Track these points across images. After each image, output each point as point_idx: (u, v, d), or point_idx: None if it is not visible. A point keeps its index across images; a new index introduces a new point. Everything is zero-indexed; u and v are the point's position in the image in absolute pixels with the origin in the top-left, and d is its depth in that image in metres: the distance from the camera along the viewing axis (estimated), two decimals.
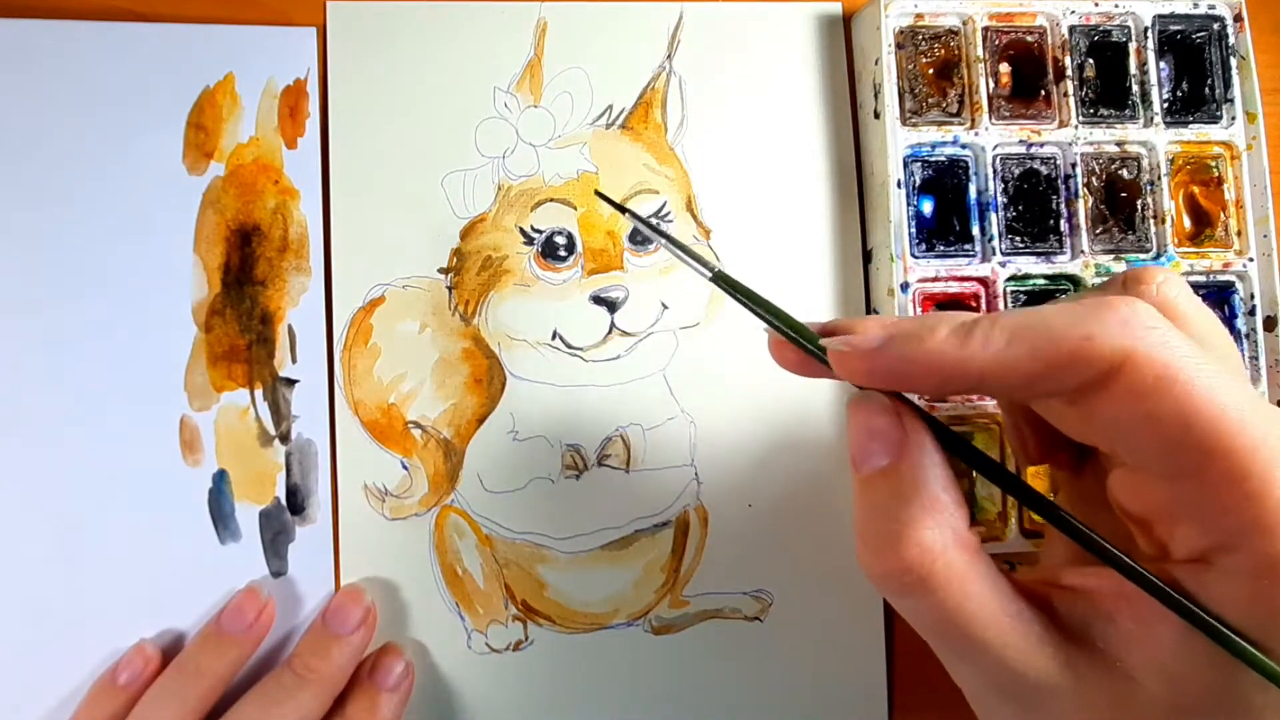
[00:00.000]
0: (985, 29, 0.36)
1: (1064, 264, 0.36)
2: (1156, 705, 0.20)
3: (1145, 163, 0.37)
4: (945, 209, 0.36)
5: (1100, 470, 0.24)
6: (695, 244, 0.37)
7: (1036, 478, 0.35)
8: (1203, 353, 0.20)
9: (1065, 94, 0.36)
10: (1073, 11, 0.37)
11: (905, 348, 0.22)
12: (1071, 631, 0.22)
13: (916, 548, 0.21)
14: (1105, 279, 0.35)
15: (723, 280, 0.25)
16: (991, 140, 0.36)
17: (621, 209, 0.29)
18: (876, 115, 0.36)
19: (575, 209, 0.36)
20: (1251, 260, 0.36)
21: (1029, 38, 0.37)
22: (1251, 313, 0.36)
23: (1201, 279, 0.36)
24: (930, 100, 0.36)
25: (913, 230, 0.36)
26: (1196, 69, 0.37)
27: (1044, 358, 0.20)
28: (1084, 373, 0.20)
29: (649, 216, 0.36)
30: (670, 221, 0.37)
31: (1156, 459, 0.20)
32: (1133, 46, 0.37)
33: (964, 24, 0.36)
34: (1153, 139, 0.36)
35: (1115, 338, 0.19)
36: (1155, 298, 0.23)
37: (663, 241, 0.27)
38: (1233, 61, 0.37)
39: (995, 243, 0.36)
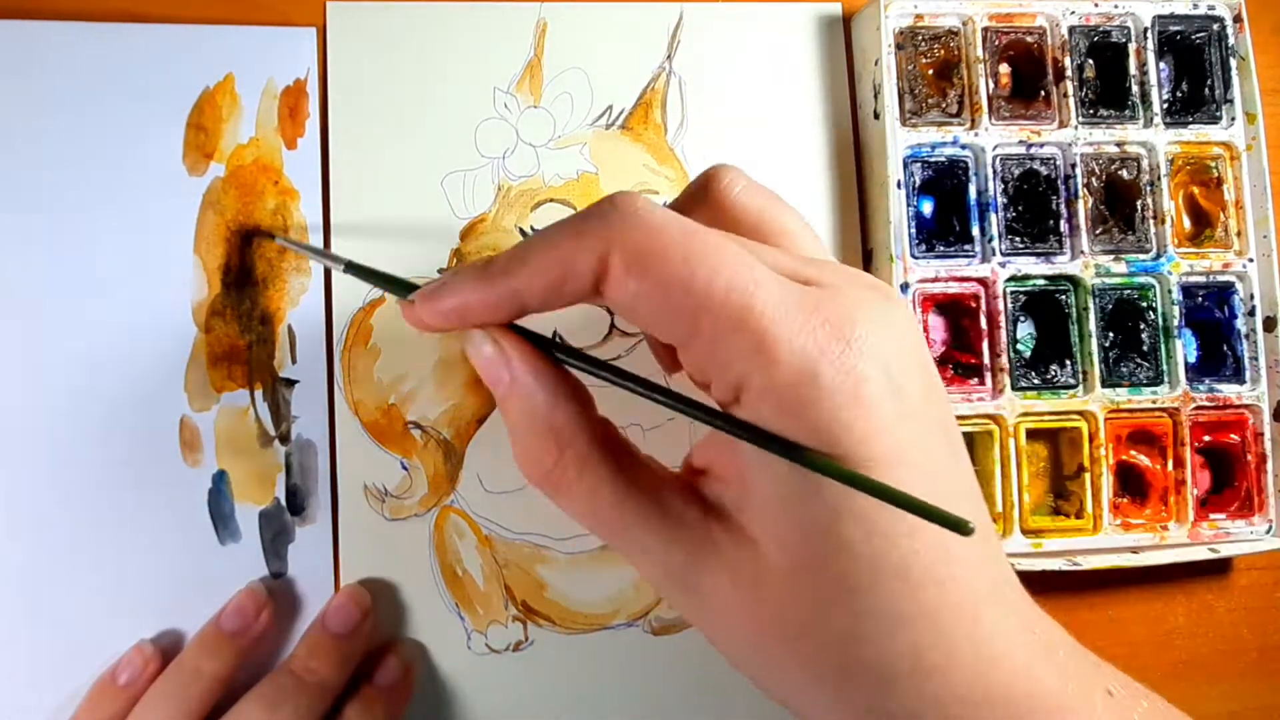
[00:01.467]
0: (985, 29, 0.36)
1: (1064, 264, 0.36)
2: (780, 567, 0.22)
3: (1145, 163, 0.37)
4: (945, 209, 0.36)
5: None
6: None
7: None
8: (686, 223, 0.22)
9: (1065, 94, 0.36)
10: (1072, 12, 0.37)
11: (436, 295, 0.24)
12: (714, 512, 0.23)
13: (539, 466, 0.24)
14: None
15: (354, 269, 0.29)
16: (991, 141, 0.36)
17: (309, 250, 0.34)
18: (876, 116, 0.36)
19: (575, 209, 0.36)
20: (1251, 260, 0.36)
21: (1029, 38, 0.37)
22: (1251, 313, 0.36)
23: (1201, 279, 0.36)
24: (930, 101, 0.36)
25: (912, 231, 0.36)
26: (1196, 69, 0.37)
27: (553, 264, 0.22)
28: (585, 270, 0.22)
29: None
30: None
31: (663, 331, 0.22)
32: (1132, 47, 0.37)
33: (964, 24, 0.36)
34: (1152, 139, 0.36)
35: (598, 232, 0.22)
36: (719, 192, 0.26)
37: (292, 245, 0.33)
38: (1232, 62, 0.37)
39: (995, 243, 0.36)
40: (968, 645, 0.21)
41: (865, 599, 0.21)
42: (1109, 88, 0.37)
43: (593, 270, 0.22)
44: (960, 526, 0.19)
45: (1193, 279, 0.36)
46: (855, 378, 0.20)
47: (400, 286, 0.26)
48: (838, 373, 0.20)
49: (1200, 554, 0.35)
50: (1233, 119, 0.37)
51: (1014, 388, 0.35)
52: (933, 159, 0.36)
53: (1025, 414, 0.35)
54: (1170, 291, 0.36)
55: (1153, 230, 0.36)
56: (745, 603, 0.22)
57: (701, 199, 0.26)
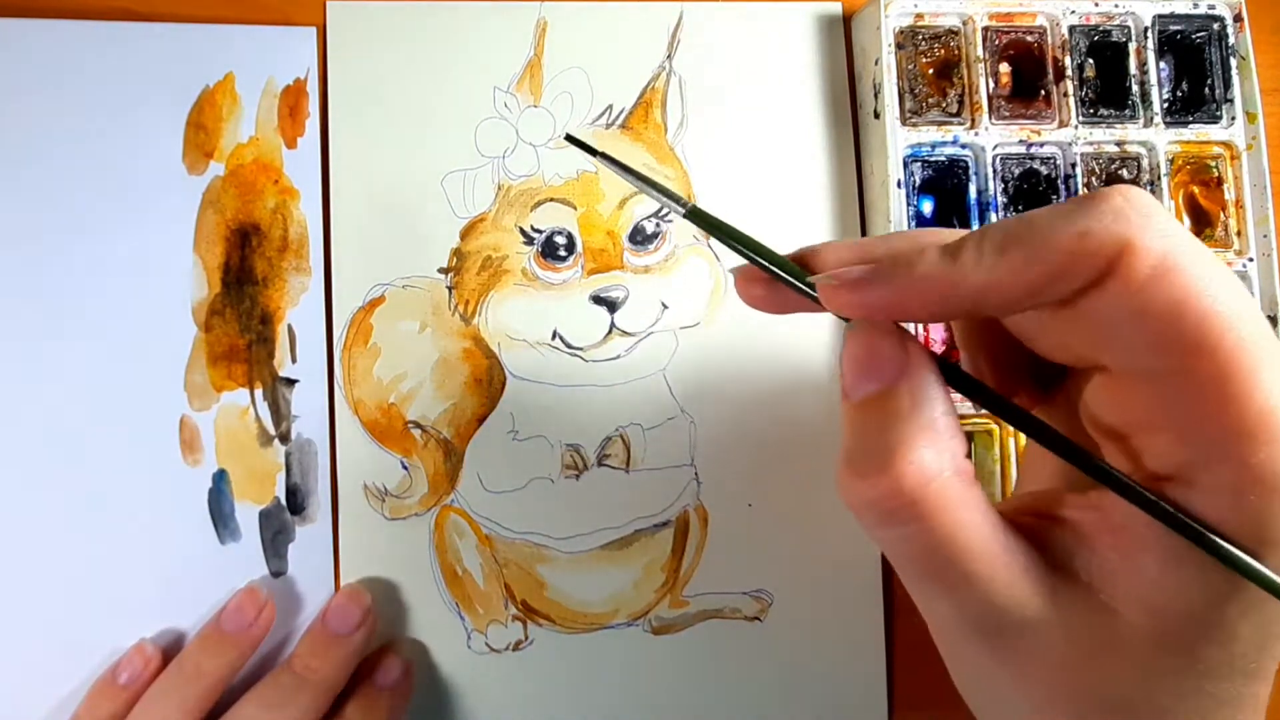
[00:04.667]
0: (985, 29, 0.36)
1: None
2: (1139, 636, 0.20)
3: (1145, 163, 0.37)
4: (945, 209, 0.36)
5: (1069, 396, 0.23)
6: (695, 244, 0.37)
7: None
8: (1200, 244, 0.19)
9: (1065, 94, 0.36)
10: (1073, 11, 0.37)
11: (895, 275, 0.20)
12: (1055, 564, 0.21)
13: (913, 467, 0.19)
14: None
15: (697, 216, 0.24)
16: (991, 140, 0.36)
17: (591, 150, 0.26)
18: (876, 115, 0.36)
19: (575, 209, 0.36)
20: (1251, 260, 0.36)
21: (1029, 38, 0.37)
22: None
23: None
24: (930, 100, 0.36)
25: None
26: (1196, 69, 0.37)
27: (1040, 262, 0.19)
28: (1082, 271, 0.18)
29: (649, 218, 0.36)
30: (670, 221, 0.37)
31: (1144, 356, 0.19)
32: (1132, 46, 0.37)
33: (964, 24, 0.36)
34: (1153, 139, 0.36)
35: (1111, 229, 0.18)
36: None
37: (631, 179, 0.25)
38: (1233, 61, 0.37)
39: None
40: None
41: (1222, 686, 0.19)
42: (1109, 87, 0.37)
43: (1095, 273, 0.18)
44: None
45: None
46: None
47: (784, 267, 0.22)
48: None
49: None
50: (1233, 118, 0.37)
51: None
52: (933, 158, 0.36)
53: None
54: None
55: None
56: (1069, 666, 0.20)
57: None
